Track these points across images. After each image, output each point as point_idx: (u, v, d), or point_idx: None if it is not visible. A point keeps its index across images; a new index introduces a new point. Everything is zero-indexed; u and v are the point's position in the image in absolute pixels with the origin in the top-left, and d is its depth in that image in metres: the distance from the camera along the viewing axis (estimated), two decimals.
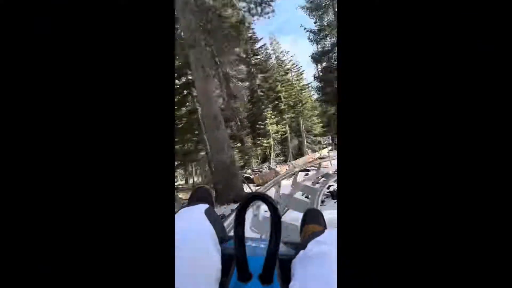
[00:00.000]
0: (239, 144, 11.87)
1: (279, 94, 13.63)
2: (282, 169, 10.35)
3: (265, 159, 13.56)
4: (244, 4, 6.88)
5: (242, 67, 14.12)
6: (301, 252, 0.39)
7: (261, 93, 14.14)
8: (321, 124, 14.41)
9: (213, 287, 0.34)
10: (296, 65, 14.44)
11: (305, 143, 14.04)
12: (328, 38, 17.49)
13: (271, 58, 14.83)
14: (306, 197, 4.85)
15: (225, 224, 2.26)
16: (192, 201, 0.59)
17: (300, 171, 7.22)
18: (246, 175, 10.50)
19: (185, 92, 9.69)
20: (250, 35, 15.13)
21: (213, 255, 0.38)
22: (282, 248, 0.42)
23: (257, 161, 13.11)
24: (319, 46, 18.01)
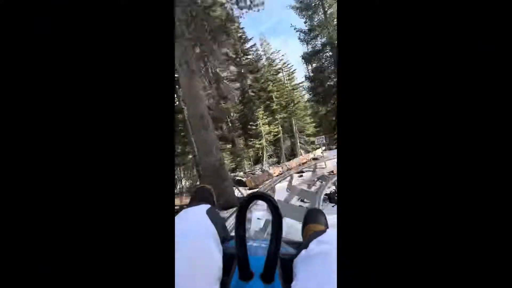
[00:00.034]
0: (229, 146, 11.19)
1: (271, 94, 13.13)
2: (275, 171, 9.72)
3: (257, 160, 12.97)
4: None
5: (232, 67, 13.46)
6: (303, 251, 0.39)
7: (252, 94, 13.57)
8: (313, 124, 13.89)
9: (214, 286, 0.34)
10: (287, 64, 13.84)
11: (298, 143, 13.46)
12: (318, 38, 17.16)
13: (261, 58, 14.23)
14: (301, 200, 4.68)
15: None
16: (194, 202, 0.59)
17: (295, 173, 6.58)
18: (238, 178, 9.80)
19: None
20: (240, 34, 14.44)
21: (215, 254, 0.38)
22: (284, 248, 0.42)
23: (250, 163, 12.52)
24: (309, 46, 17.56)
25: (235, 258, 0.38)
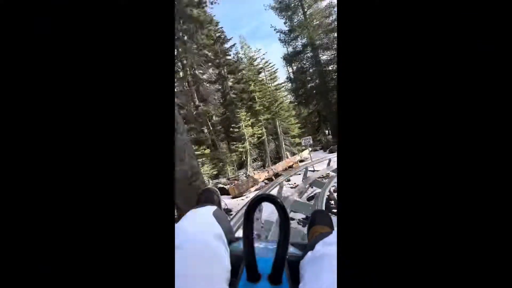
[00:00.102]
0: (207, 151, 9.82)
1: (253, 94, 11.93)
2: (261, 176, 8.50)
3: (241, 165, 11.76)
4: None
5: (212, 69, 12.21)
6: (309, 253, 0.39)
7: (234, 95, 12.30)
8: (298, 125, 12.88)
9: (223, 287, 0.34)
10: (269, 64, 12.80)
11: (283, 145, 12.34)
12: (298, 39, 16.34)
13: (242, 59, 13.10)
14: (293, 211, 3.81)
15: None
16: (199, 203, 0.58)
17: (284, 180, 5.40)
18: (220, 185, 8.40)
19: None
20: (218, 34, 13.15)
21: (223, 255, 0.38)
22: (290, 249, 0.42)
23: (233, 168, 11.19)
24: (290, 47, 16.81)
25: (242, 260, 0.38)
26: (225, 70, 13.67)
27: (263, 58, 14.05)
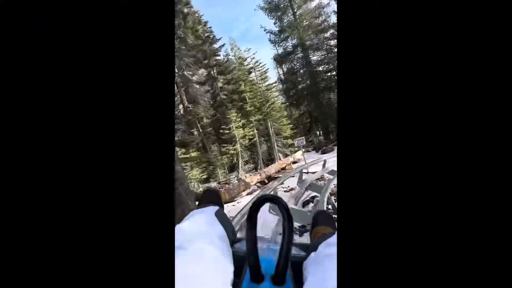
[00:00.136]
0: (193, 154, 9.15)
1: (244, 95, 11.34)
2: (253, 179, 7.89)
3: (233, 168, 11.06)
4: None
5: (202, 70, 11.59)
6: (312, 253, 0.39)
7: (224, 96, 11.70)
8: (290, 126, 12.39)
9: (226, 287, 0.34)
10: (259, 63, 12.28)
11: (276, 147, 11.78)
12: (289, 39, 15.91)
13: (232, 60, 12.53)
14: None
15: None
16: (201, 204, 0.58)
17: (278, 184, 4.83)
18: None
19: None
20: (207, 34, 12.51)
21: (225, 256, 0.38)
22: (293, 250, 0.42)
23: (224, 171, 10.52)
24: (280, 47, 16.40)
25: (245, 260, 0.37)
26: (214, 71, 13.08)
27: (253, 58, 13.53)
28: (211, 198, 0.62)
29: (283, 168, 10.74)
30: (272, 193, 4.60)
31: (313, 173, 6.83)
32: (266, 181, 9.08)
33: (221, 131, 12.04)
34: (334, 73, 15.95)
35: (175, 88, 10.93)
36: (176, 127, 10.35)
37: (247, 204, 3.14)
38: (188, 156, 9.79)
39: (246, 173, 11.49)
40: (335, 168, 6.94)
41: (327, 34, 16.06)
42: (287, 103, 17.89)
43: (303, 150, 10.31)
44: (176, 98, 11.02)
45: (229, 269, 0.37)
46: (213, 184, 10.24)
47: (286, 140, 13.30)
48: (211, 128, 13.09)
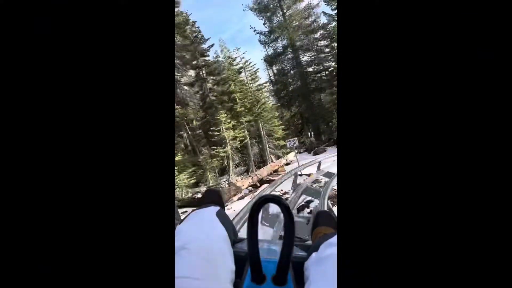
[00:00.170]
0: (179, 157, 8.49)
1: (234, 95, 10.73)
2: (244, 183, 7.32)
3: (223, 171, 10.38)
4: None
5: (191, 71, 10.95)
6: (314, 254, 0.39)
7: (214, 98, 11.06)
8: (282, 127, 11.91)
9: (227, 287, 0.33)
10: (249, 63, 11.76)
11: (267, 148, 11.22)
12: (279, 40, 15.54)
13: (221, 60, 11.95)
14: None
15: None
16: (203, 203, 0.57)
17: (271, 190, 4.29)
18: (200, 195, 6.98)
19: None
20: (195, 34, 11.85)
21: (226, 256, 0.38)
22: (295, 250, 0.41)
23: (214, 175, 9.87)
24: (270, 48, 16.07)
25: (246, 261, 0.37)
26: (203, 72, 12.44)
27: (243, 57, 12.99)
28: (212, 198, 0.60)
29: (276, 171, 10.23)
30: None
31: (308, 175, 6.31)
32: (258, 185, 8.52)
33: (210, 133, 11.41)
34: (324, 73, 15.68)
35: None
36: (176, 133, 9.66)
37: (239, 212, 2.58)
38: (176, 159, 9.11)
39: (237, 176, 10.93)
40: (331, 170, 6.41)
41: (317, 35, 15.89)
42: (279, 104, 17.48)
43: (296, 151, 9.83)
44: None
45: (230, 269, 0.36)
46: (203, 189, 9.58)
47: (278, 142, 12.87)
48: (200, 130, 12.46)
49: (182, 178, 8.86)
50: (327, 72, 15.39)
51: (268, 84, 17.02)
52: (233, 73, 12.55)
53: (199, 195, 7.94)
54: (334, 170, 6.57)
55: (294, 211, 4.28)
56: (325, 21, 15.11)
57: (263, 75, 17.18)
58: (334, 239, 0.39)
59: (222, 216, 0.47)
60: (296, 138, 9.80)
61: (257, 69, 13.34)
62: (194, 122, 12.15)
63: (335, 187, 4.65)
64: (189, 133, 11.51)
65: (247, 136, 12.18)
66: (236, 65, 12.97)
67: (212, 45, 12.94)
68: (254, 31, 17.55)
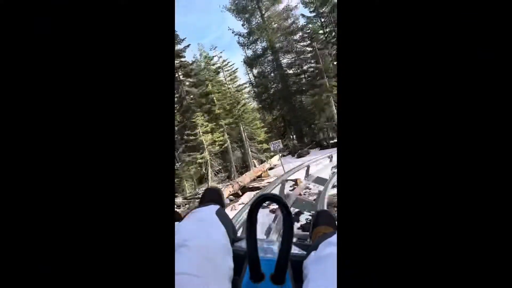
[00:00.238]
0: None
1: (212, 96, 9.52)
2: (225, 191, 5.89)
3: (203, 178, 9.03)
4: None
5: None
6: (313, 253, 0.39)
7: (191, 101, 9.79)
8: (265, 129, 10.91)
9: (226, 286, 0.34)
10: (228, 63, 10.74)
11: (250, 152, 10.09)
12: (258, 42, 14.75)
13: (200, 65, 10.75)
14: None
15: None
16: (203, 202, 0.58)
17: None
18: (176, 208, 5.51)
19: None
20: None
21: (225, 255, 0.38)
22: (294, 249, 0.43)
23: (192, 184, 8.52)
24: (250, 50, 15.27)
25: (245, 259, 0.37)
26: (179, 73, 11.13)
27: (221, 57, 11.94)
28: (212, 197, 0.60)
29: (259, 176, 9.24)
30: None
31: (295, 181, 5.26)
32: (240, 193, 7.35)
33: (185, 137, 10.10)
34: (305, 75, 15.09)
35: None
36: None
37: None
38: None
39: (219, 184, 9.68)
40: (322, 175, 5.35)
41: (296, 37, 15.32)
42: (260, 106, 16.62)
43: (280, 154, 8.84)
44: None
45: (229, 267, 0.36)
46: (179, 200, 8.25)
47: (260, 145, 11.98)
48: (177, 136, 11.06)
49: None
50: (307, 74, 14.84)
51: (248, 85, 16.15)
52: (210, 73, 11.45)
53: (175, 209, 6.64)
54: (324, 174, 5.56)
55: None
56: (304, 23, 14.68)
57: (244, 79, 16.27)
58: (333, 238, 0.39)
59: (221, 215, 0.47)
60: (279, 140, 8.93)
61: (236, 68, 12.57)
62: None
63: (331, 192, 3.86)
64: None
65: (228, 140, 11.06)
66: (213, 64, 11.89)
67: (188, 45, 11.88)
68: (232, 32, 16.76)
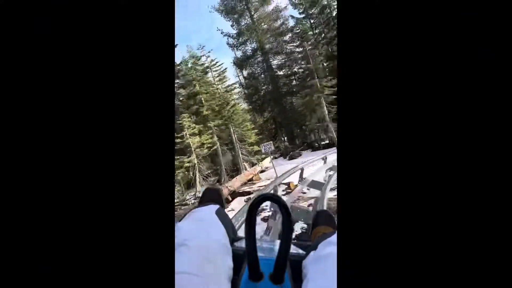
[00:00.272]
0: None
1: (199, 97, 8.93)
2: None
3: (191, 183, 8.40)
4: None
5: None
6: (312, 252, 0.39)
7: (179, 102, 9.20)
8: (255, 131, 10.39)
9: (225, 285, 0.34)
10: (216, 62, 10.19)
11: (240, 155, 9.53)
12: (248, 43, 14.32)
13: (188, 65, 10.21)
14: None
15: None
16: (203, 202, 0.57)
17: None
18: None
19: None
20: None
21: (225, 254, 0.38)
22: (293, 249, 0.43)
23: (179, 189, 7.87)
24: (240, 51, 14.80)
25: (244, 259, 0.37)
26: None
27: (209, 56, 11.38)
28: (212, 196, 0.59)
29: (250, 180, 8.73)
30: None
31: (288, 185, 4.75)
32: (230, 198, 6.75)
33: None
34: (295, 77, 14.80)
35: None
36: None
37: None
38: None
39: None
40: (317, 178, 4.82)
41: (286, 38, 15.05)
42: (250, 107, 16.16)
43: (271, 157, 8.34)
44: None
45: (228, 266, 0.36)
46: None
47: (251, 147, 11.40)
48: None
49: None
50: (297, 76, 14.54)
51: (238, 85, 15.69)
52: (197, 72, 10.87)
53: None
54: (319, 177, 5.06)
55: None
56: (294, 24, 14.41)
57: (234, 80, 15.80)
58: (332, 238, 0.39)
59: (221, 215, 0.47)
60: (271, 142, 8.44)
61: (225, 68, 12.01)
62: None
63: (330, 196, 3.65)
64: None
65: (217, 142, 10.47)
66: (201, 64, 11.33)
67: (176, 45, 11.13)
68: (221, 33, 16.26)
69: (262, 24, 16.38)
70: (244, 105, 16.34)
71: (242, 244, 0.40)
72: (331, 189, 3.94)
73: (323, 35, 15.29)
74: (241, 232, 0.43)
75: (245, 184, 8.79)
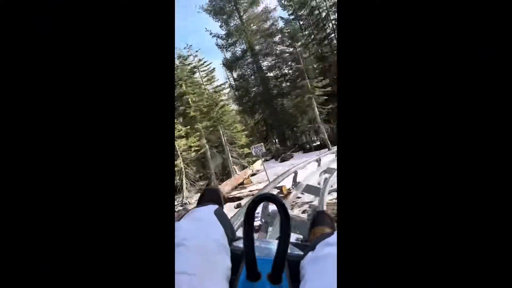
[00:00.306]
0: None
1: (186, 97, 8.33)
2: None
3: (177, 189, 7.77)
4: None
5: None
6: (310, 253, 0.39)
7: None
8: (246, 133, 9.91)
9: (223, 285, 0.34)
10: (204, 62, 9.64)
11: (230, 158, 8.97)
12: (237, 44, 13.90)
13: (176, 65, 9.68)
14: None
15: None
16: (202, 202, 0.57)
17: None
18: None
19: None
20: None
21: (223, 254, 0.38)
22: (291, 249, 0.42)
23: None
24: (229, 52, 14.34)
25: (242, 259, 0.37)
26: None
27: (196, 55, 10.83)
28: (211, 196, 0.59)
29: (241, 184, 8.21)
30: None
31: (281, 189, 4.26)
32: None
33: None
34: (285, 78, 14.48)
35: None
36: None
37: None
38: None
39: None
40: (311, 182, 4.33)
41: (276, 39, 14.76)
42: (241, 109, 15.70)
43: (263, 159, 7.86)
44: None
45: (227, 266, 0.36)
46: None
47: (242, 150, 10.90)
48: None
49: None
50: (288, 77, 14.24)
51: (227, 86, 15.21)
52: (184, 72, 10.29)
53: None
54: (313, 181, 4.58)
55: None
56: (283, 25, 14.16)
57: (223, 81, 15.22)
58: (331, 239, 0.39)
59: (220, 215, 0.47)
60: (262, 143, 8.00)
61: (213, 68, 11.50)
62: None
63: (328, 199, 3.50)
64: None
65: (205, 144, 9.89)
66: (188, 64, 10.77)
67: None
68: (210, 34, 15.79)
69: (252, 25, 16.17)
70: (234, 107, 15.92)
71: (240, 244, 0.40)
72: (329, 193, 3.54)
73: (312, 36, 15.19)
74: (240, 233, 0.43)
75: (235, 188, 8.29)
